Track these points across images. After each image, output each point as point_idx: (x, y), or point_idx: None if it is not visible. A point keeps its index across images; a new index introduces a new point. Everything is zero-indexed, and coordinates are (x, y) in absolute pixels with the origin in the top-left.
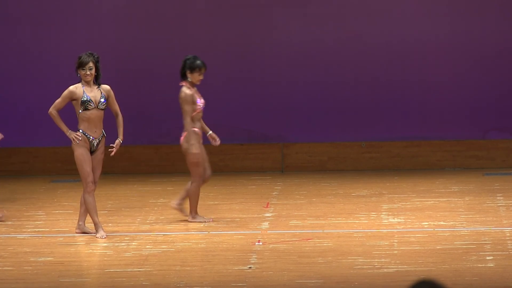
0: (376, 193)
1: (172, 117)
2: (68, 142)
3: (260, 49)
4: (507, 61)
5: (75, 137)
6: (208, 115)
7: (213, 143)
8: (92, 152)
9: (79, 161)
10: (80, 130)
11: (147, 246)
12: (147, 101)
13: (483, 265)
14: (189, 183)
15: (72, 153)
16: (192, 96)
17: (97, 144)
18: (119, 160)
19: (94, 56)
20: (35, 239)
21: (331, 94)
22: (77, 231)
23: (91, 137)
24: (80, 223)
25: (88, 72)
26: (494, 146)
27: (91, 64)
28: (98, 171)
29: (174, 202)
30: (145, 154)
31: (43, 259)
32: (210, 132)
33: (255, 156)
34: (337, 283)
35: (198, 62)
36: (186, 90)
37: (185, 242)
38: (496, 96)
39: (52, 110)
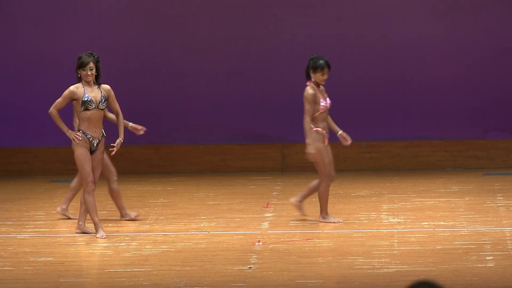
0: (376, 193)
1: (172, 117)
2: (68, 142)
3: (260, 49)
4: (507, 61)
5: (75, 137)
6: (208, 115)
7: (344, 143)
8: (92, 152)
9: (79, 161)
10: (80, 130)
11: (147, 246)
12: (147, 101)
13: (483, 265)
14: (315, 181)
15: (72, 153)
16: (313, 95)
17: (97, 144)
18: (119, 160)
19: (94, 56)
20: (35, 239)
21: (331, 94)
22: (77, 231)
23: (91, 137)
24: (80, 223)
25: (89, 72)
26: (494, 146)
27: (91, 64)
28: (98, 171)
29: (294, 199)
30: (145, 154)
31: (43, 259)
32: (340, 132)
33: (255, 156)
34: (337, 283)
35: (321, 62)
36: (309, 90)
37: (185, 242)
38: (496, 96)
39: (52, 110)
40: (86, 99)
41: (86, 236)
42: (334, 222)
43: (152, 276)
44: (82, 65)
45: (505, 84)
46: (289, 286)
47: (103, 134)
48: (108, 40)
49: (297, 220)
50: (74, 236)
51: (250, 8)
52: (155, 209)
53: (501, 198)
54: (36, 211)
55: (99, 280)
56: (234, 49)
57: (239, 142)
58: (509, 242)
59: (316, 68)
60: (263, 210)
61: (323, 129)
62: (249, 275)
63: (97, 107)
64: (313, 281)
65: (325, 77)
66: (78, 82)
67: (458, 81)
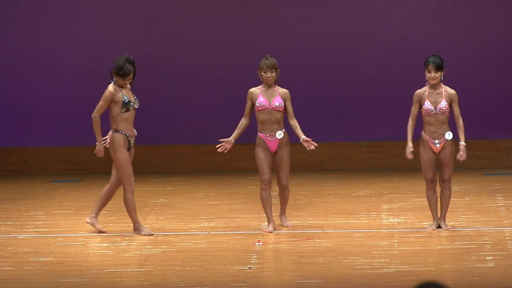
0: (376, 193)
1: (172, 117)
2: (68, 142)
3: (260, 49)
4: (507, 61)
5: (100, 151)
6: (208, 115)
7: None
8: (128, 150)
9: (122, 161)
10: (120, 131)
11: (147, 246)
12: (147, 101)
13: (483, 265)
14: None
15: (72, 153)
16: (416, 95)
17: (133, 143)
18: None
19: (134, 64)
20: (35, 239)
21: (331, 94)
22: (88, 221)
23: (129, 136)
24: (93, 215)
25: (127, 82)
26: (494, 146)
27: (132, 75)
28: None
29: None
30: (145, 154)
31: (43, 259)
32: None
33: (255, 156)
34: (337, 283)
35: (429, 58)
36: (419, 89)
37: (185, 242)
38: (496, 96)
39: (95, 114)
40: (126, 100)
41: (86, 236)
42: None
43: (152, 276)
44: (124, 75)
45: (505, 84)
46: (289, 286)
47: (135, 132)
48: (108, 41)
49: (297, 220)
50: (74, 236)
51: (250, 8)
52: (155, 209)
53: (501, 198)
54: (36, 211)
55: (99, 280)
56: (234, 49)
57: (239, 142)
58: (509, 242)
59: (423, 65)
60: (263, 210)
61: (426, 133)
62: (249, 275)
63: (133, 107)
64: (313, 281)
65: (431, 75)
66: (113, 83)
67: (458, 81)
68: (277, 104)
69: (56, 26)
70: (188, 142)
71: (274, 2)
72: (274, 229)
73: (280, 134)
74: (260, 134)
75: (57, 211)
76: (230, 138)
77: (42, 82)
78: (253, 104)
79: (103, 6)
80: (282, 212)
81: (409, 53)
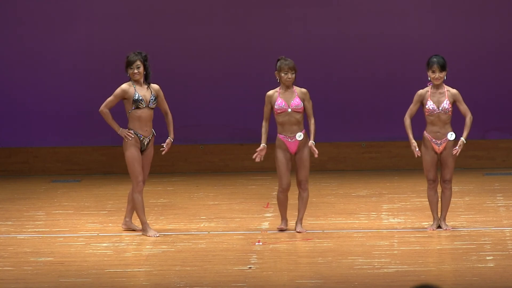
0: (376, 193)
1: (172, 117)
2: (68, 142)
3: (260, 49)
4: (507, 61)
5: (126, 134)
6: (208, 115)
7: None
8: (142, 151)
9: (130, 160)
10: (131, 130)
11: (147, 246)
12: None
13: (483, 265)
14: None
15: (72, 153)
16: (418, 95)
17: (148, 143)
18: (119, 160)
19: (141, 55)
20: (35, 239)
21: (331, 94)
22: (124, 227)
23: (141, 136)
24: (127, 219)
25: (136, 71)
26: (494, 146)
27: (138, 62)
28: (147, 170)
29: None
30: None
31: (43, 259)
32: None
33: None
34: (337, 283)
35: (432, 59)
36: (422, 89)
37: (185, 242)
38: (496, 96)
39: (103, 108)
40: (137, 97)
41: (86, 236)
42: None
43: (152, 276)
44: (128, 64)
45: (505, 84)
46: (289, 286)
47: (153, 133)
48: (108, 41)
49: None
50: (74, 236)
51: (250, 9)
52: (155, 209)
53: (501, 198)
54: (36, 211)
55: (99, 280)
56: (234, 49)
57: (239, 142)
58: (509, 242)
59: (427, 65)
60: (263, 210)
61: (429, 133)
62: (249, 275)
63: (147, 106)
64: (313, 281)
65: (435, 75)
66: (129, 81)
67: (458, 81)
68: (296, 105)
69: (56, 26)
70: (188, 142)
71: (274, 3)
72: (287, 227)
73: (300, 136)
74: (280, 136)
75: (57, 211)
76: (262, 144)
77: (42, 82)
78: (272, 107)
79: (103, 6)
80: (299, 219)
81: (409, 53)
